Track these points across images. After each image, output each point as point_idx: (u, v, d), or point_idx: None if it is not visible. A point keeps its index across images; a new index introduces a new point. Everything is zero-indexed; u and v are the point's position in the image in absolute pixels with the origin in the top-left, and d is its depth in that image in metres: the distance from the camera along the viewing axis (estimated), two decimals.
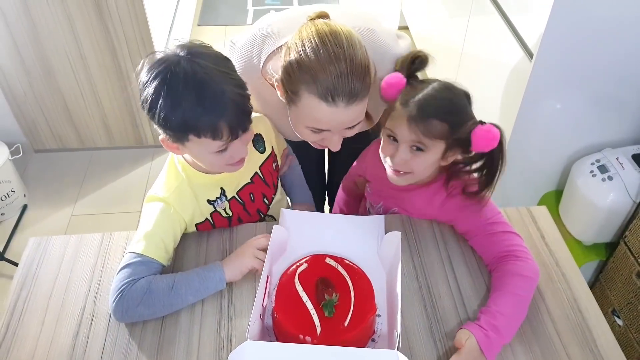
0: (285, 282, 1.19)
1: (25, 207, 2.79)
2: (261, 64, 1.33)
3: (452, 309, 1.21)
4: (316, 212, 1.39)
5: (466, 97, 1.21)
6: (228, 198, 1.37)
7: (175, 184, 1.28)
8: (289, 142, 1.65)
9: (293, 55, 1.15)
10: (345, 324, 1.09)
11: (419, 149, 1.20)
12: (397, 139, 1.23)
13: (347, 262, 1.24)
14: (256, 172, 1.43)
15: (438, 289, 1.26)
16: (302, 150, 1.66)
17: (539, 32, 1.73)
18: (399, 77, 1.23)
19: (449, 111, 1.18)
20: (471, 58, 2.51)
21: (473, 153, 1.21)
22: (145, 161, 3.10)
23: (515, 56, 1.96)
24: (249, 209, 1.44)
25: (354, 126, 1.23)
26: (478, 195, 1.25)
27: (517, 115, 1.94)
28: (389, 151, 1.27)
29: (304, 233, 1.34)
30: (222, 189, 1.36)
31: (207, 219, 1.36)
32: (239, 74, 1.19)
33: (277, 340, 1.14)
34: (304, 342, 1.07)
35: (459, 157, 1.25)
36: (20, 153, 2.83)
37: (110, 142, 3.11)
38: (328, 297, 1.14)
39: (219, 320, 1.20)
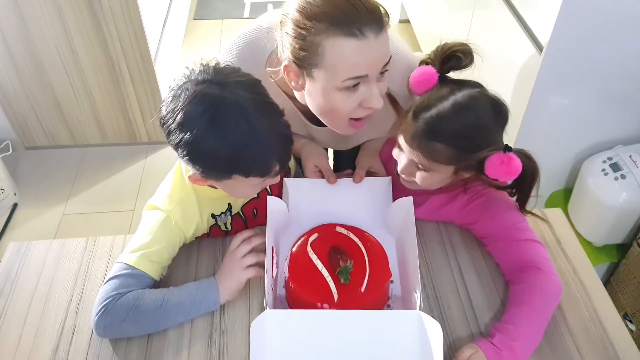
0: (298, 252, 1.17)
1: (15, 205, 2.73)
2: (265, 57, 1.21)
3: (462, 321, 1.13)
4: (317, 179, 1.32)
5: (494, 111, 1.09)
6: (233, 214, 1.29)
7: (180, 196, 1.18)
8: None
9: (297, 13, 1.03)
10: (362, 289, 1.09)
11: (421, 168, 1.13)
12: (402, 148, 1.15)
13: (358, 229, 1.23)
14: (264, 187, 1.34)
15: (447, 298, 1.18)
16: None
17: (550, 23, 1.65)
18: (431, 74, 1.13)
19: (460, 135, 1.07)
20: (477, 49, 2.40)
21: None
22: (139, 158, 3.02)
23: (524, 50, 1.87)
24: (250, 225, 1.35)
25: (385, 69, 1.09)
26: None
27: (525, 111, 1.87)
28: (395, 155, 1.19)
29: (308, 202, 1.30)
30: (229, 204, 1.27)
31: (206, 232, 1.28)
32: (240, 58, 1.11)
33: (292, 307, 1.13)
34: (322, 309, 1.07)
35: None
36: (10, 150, 2.77)
37: (102, 139, 3.05)
38: (343, 264, 1.13)
39: (210, 334, 1.11)
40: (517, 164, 1.03)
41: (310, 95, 1.13)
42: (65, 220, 2.68)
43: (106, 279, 1.10)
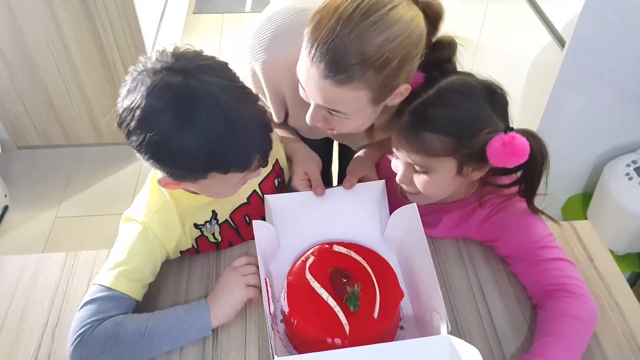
0: (296, 281, 1.05)
1: (6, 208, 2.65)
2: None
3: (486, 350, 1.01)
4: (303, 192, 1.21)
5: (487, 93, 0.99)
6: (220, 222, 1.17)
7: (158, 206, 1.07)
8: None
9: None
10: (375, 315, 0.98)
11: (420, 171, 1.02)
12: (396, 155, 1.04)
13: (358, 245, 1.12)
14: (254, 191, 1.22)
15: (468, 323, 1.06)
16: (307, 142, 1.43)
17: (573, 17, 1.55)
18: (416, 74, 1.02)
19: (450, 120, 0.97)
20: (489, 50, 2.31)
21: None
22: (136, 158, 2.83)
23: (544, 45, 1.78)
24: (243, 234, 1.23)
25: (333, 112, 1.01)
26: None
27: (544, 111, 1.77)
28: (394, 166, 1.08)
29: (297, 220, 1.18)
30: (213, 211, 1.15)
31: (192, 245, 1.16)
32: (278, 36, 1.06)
33: (295, 346, 1.02)
34: (333, 345, 0.95)
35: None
36: (0, 150, 2.73)
37: (98, 138, 2.96)
38: (350, 289, 1.01)
39: None
40: (522, 143, 0.93)
41: None
42: (58, 224, 2.61)
43: (81, 304, 0.98)
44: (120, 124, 0.90)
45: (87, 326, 0.94)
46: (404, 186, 1.09)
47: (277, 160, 1.27)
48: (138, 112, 0.85)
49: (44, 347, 1.03)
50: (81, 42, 2.53)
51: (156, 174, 1.08)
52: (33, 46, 2.53)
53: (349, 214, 1.19)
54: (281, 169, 1.29)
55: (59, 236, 2.54)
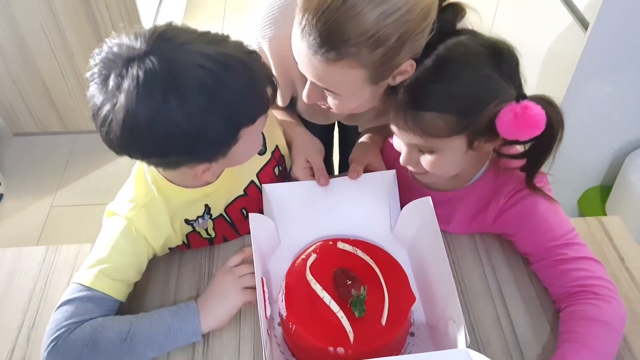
0: (295, 282, 0.97)
1: (0, 196, 2.61)
2: None
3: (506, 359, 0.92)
4: (305, 182, 1.13)
5: (493, 56, 0.87)
6: (213, 217, 1.08)
7: (145, 201, 0.98)
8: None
9: None
10: (383, 322, 0.90)
11: (425, 151, 0.92)
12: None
13: (364, 242, 1.03)
14: (252, 182, 1.12)
15: (486, 330, 0.97)
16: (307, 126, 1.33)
17: None
18: None
19: (452, 96, 0.85)
20: (504, 30, 2.20)
21: None
22: None
23: (564, 27, 1.70)
24: (240, 229, 1.14)
25: (326, 90, 0.92)
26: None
27: (563, 99, 1.70)
28: (396, 146, 0.98)
29: (298, 212, 1.10)
30: (206, 206, 1.06)
31: (182, 241, 1.07)
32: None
33: (294, 353, 0.94)
34: (336, 355, 0.87)
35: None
36: None
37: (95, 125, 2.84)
38: (355, 292, 0.92)
39: None
40: (537, 113, 0.81)
41: None
42: (54, 213, 2.56)
43: (58, 304, 0.90)
44: (110, 141, 0.79)
45: (62, 329, 0.86)
46: (410, 168, 0.99)
47: (276, 146, 1.17)
48: (143, 122, 0.75)
49: (18, 352, 0.95)
50: (77, 26, 2.47)
51: (143, 169, 1.00)
52: (27, 31, 2.47)
53: (355, 207, 1.10)
54: (282, 156, 1.20)
55: (54, 226, 2.49)
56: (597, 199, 2.05)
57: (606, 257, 1.07)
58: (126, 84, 0.74)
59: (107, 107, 0.76)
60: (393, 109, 0.91)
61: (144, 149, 0.81)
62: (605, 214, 1.98)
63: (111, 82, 0.75)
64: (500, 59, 0.86)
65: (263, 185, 1.09)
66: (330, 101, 0.95)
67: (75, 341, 0.85)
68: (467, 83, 0.85)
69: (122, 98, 0.74)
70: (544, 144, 0.89)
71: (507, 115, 0.81)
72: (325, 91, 0.93)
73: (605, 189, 2.03)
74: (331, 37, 0.80)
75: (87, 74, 0.79)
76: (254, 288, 0.96)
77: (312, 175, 1.12)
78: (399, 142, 0.97)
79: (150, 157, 0.84)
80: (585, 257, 0.95)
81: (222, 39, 0.84)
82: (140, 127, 0.76)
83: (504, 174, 1.02)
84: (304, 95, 0.97)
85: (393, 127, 0.94)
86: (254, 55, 0.86)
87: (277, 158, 1.18)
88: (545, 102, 0.84)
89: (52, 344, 0.85)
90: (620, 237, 1.11)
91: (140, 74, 0.74)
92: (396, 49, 0.83)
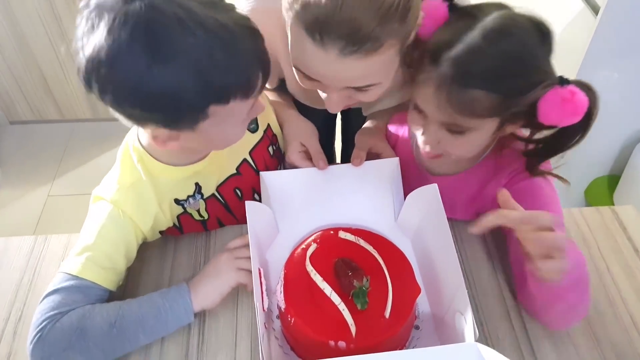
0: (294, 273, 0.92)
1: None
2: None
3: (516, 357, 0.88)
4: (305, 169, 1.08)
5: (540, 36, 0.81)
6: (205, 196, 1.03)
7: (131, 181, 0.93)
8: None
9: None
10: (386, 315, 0.85)
11: (455, 131, 0.85)
12: (423, 112, 0.87)
13: (367, 231, 0.99)
14: (245, 160, 1.07)
15: (495, 325, 0.92)
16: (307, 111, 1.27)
17: None
18: (435, 4, 0.85)
19: (502, 74, 0.79)
20: None
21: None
22: None
23: (574, 11, 1.65)
24: (234, 210, 1.09)
25: (363, 88, 0.86)
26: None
27: None
28: (415, 123, 0.91)
29: (297, 200, 1.06)
30: (197, 184, 1.01)
31: (173, 223, 1.02)
32: None
33: (293, 347, 0.90)
34: (337, 349, 0.82)
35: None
36: None
37: (93, 114, 2.88)
38: (357, 283, 0.87)
39: None
40: (582, 100, 0.77)
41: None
42: (51, 203, 2.53)
43: (44, 295, 0.85)
44: (87, 82, 0.74)
45: (47, 320, 0.82)
46: (427, 148, 0.92)
47: (268, 125, 1.12)
48: (103, 57, 0.70)
49: (4, 347, 0.90)
50: (73, 12, 2.44)
51: (128, 149, 0.95)
52: (22, 17, 2.44)
53: (357, 196, 1.05)
54: (274, 135, 1.15)
55: (51, 215, 2.47)
56: (604, 189, 2.03)
57: (620, 249, 1.02)
58: (107, 17, 0.70)
59: (84, 39, 0.72)
60: (435, 84, 0.82)
61: (103, 88, 0.74)
62: (613, 205, 1.92)
63: (97, 18, 0.72)
64: (544, 35, 0.81)
65: (261, 173, 1.04)
66: (364, 96, 0.88)
67: (62, 330, 0.81)
68: (519, 62, 0.80)
69: (98, 31, 0.71)
70: (574, 131, 0.84)
71: (554, 99, 0.77)
72: (356, 91, 0.86)
73: (613, 179, 2.01)
74: (362, 29, 0.74)
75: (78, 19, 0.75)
76: (250, 271, 0.91)
77: (309, 160, 1.07)
78: (418, 120, 0.91)
79: (119, 109, 0.77)
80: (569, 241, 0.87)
81: (223, 7, 0.78)
82: (101, 62, 0.71)
83: (506, 155, 0.97)
84: (332, 107, 0.91)
85: (424, 104, 0.87)
86: (251, 33, 0.80)
87: (270, 137, 1.13)
88: (586, 87, 0.79)
89: (37, 335, 0.81)
90: (635, 228, 1.06)
91: (123, 12, 0.70)
92: (418, 4, 0.79)
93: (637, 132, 1.85)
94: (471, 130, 0.85)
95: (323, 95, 0.91)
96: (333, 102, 0.90)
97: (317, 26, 0.75)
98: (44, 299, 0.84)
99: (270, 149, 1.12)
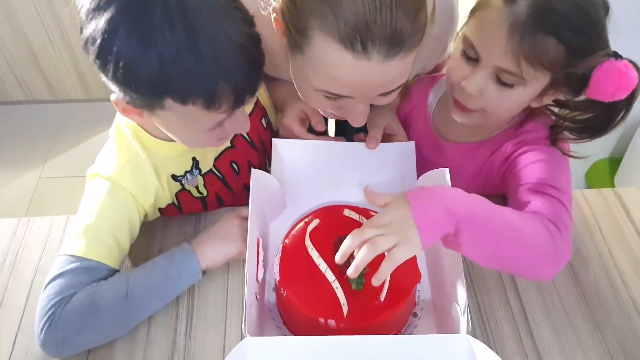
0: (293, 246, 0.91)
1: None
2: None
3: (516, 344, 0.85)
4: (320, 141, 1.05)
5: (604, 7, 0.80)
6: (203, 172, 1.00)
7: (128, 156, 0.91)
8: None
9: None
10: (381, 298, 0.83)
11: (504, 83, 0.82)
12: (477, 56, 0.83)
13: (373, 212, 0.96)
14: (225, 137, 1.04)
15: (494, 312, 0.89)
16: None
17: None
18: None
19: (577, 27, 0.77)
20: None
21: (583, 97, 0.83)
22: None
23: None
24: (232, 184, 1.06)
25: (390, 92, 0.81)
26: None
27: None
28: (460, 70, 0.86)
29: (308, 173, 1.04)
30: (194, 159, 0.98)
31: (172, 202, 1.00)
32: None
33: (285, 321, 0.89)
34: (326, 327, 0.82)
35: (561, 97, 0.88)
36: None
37: (86, 94, 2.83)
38: None
39: (170, 354, 0.84)
40: (635, 74, 0.76)
41: (291, 67, 0.84)
42: (42, 185, 2.51)
43: (47, 281, 0.82)
44: (82, 33, 0.74)
45: (55, 306, 0.79)
46: (469, 95, 0.87)
47: (257, 98, 1.09)
48: (95, 15, 0.71)
49: None
50: None
51: (120, 125, 0.93)
52: None
53: (368, 176, 1.03)
54: (264, 107, 1.12)
55: (42, 198, 2.44)
56: (605, 172, 2.02)
57: (623, 233, 0.99)
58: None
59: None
60: (504, 24, 0.79)
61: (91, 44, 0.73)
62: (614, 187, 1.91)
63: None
64: (605, 9, 0.80)
65: (274, 139, 1.01)
66: (386, 99, 0.83)
67: (74, 311, 0.79)
68: (590, 21, 0.78)
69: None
70: (617, 109, 0.82)
71: (610, 70, 0.75)
72: (381, 96, 0.81)
73: (614, 162, 2.00)
74: (403, 30, 0.70)
75: None
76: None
77: (304, 127, 1.05)
78: (464, 68, 0.86)
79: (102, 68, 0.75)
80: (560, 200, 0.84)
81: (231, 15, 0.76)
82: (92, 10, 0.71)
83: (527, 131, 0.94)
84: (359, 121, 0.86)
85: (485, 46, 0.82)
86: (245, 45, 0.77)
87: (261, 108, 1.10)
88: (634, 65, 0.77)
89: (47, 323, 0.78)
90: (638, 210, 1.03)
91: None
92: None
93: (639, 114, 1.80)
94: (520, 84, 0.82)
95: (346, 111, 0.86)
96: (361, 114, 0.85)
97: (356, 34, 0.69)
98: (47, 285, 0.82)
99: (262, 120, 1.10)
